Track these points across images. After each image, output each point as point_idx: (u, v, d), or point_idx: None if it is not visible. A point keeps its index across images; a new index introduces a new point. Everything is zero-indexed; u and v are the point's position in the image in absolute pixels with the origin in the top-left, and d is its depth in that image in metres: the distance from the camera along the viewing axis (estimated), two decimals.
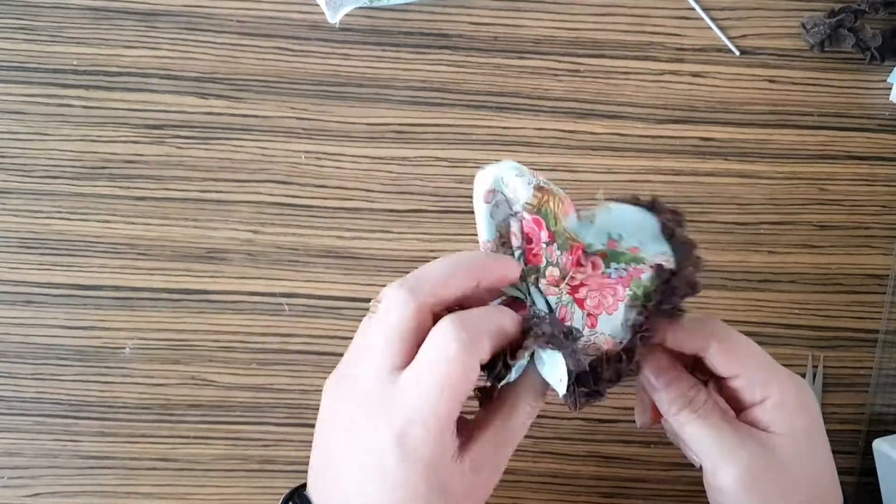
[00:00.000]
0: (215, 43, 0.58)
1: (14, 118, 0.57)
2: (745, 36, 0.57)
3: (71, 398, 0.58)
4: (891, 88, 0.57)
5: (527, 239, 0.35)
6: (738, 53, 0.57)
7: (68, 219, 0.58)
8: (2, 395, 0.58)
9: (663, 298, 0.36)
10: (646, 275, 0.36)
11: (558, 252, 0.35)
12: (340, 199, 0.58)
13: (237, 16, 0.58)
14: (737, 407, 0.38)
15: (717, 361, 0.37)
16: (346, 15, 0.56)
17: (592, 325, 0.36)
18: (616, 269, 0.36)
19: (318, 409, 0.59)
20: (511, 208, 0.36)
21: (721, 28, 0.57)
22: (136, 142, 0.58)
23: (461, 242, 0.57)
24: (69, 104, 0.58)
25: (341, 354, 0.59)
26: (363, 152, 0.58)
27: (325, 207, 0.58)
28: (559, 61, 0.57)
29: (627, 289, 0.36)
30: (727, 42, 0.56)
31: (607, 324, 0.36)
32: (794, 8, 0.57)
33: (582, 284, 0.36)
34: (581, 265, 0.36)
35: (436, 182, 0.58)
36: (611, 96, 0.57)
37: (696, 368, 0.39)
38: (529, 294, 0.36)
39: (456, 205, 0.58)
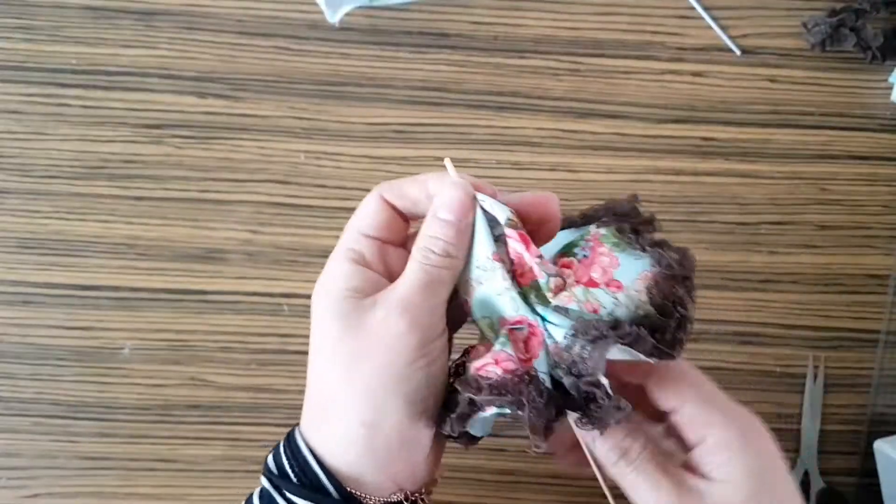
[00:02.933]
0: (214, 42, 0.57)
1: (13, 118, 0.57)
2: (746, 35, 0.57)
3: (70, 399, 0.58)
4: (892, 88, 0.57)
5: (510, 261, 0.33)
6: (739, 53, 0.57)
7: (67, 219, 0.58)
8: (1, 396, 0.58)
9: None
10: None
11: (550, 262, 0.34)
12: (340, 199, 0.58)
13: (236, 15, 0.57)
14: (685, 447, 0.35)
15: (655, 393, 0.35)
16: (346, 14, 0.56)
17: (618, 287, 0.33)
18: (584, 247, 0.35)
19: None
20: (491, 225, 0.34)
21: (722, 27, 0.57)
22: (134, 141, 0.57)
23: None
24: (68, 104, 0.57)
25: None
26: (363, 152, 0.57)
27: (325, 207, 0.58)
28: (559, 61, 0.57)
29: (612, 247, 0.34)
30: (728, 42, 0.56)
31: (627, 271, 0.33)
32: (796, 7, 0.57)
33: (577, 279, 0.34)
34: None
35: None
36: (611, 96, 0.57)
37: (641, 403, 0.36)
38: (539, 315, 0.33)
39: None
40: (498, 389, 0.31)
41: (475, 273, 0.34)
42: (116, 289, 0.58)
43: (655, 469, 0.34)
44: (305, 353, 0.58)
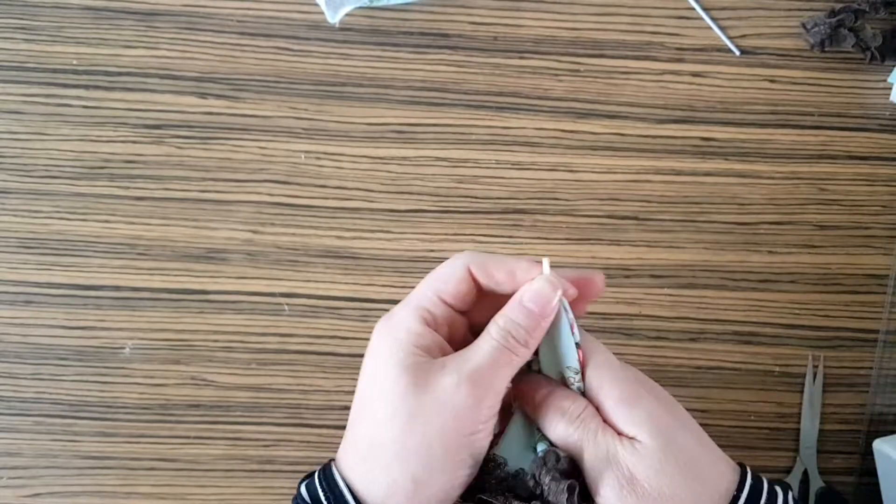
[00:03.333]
0: (215, 43, 0.58)
1: (13, 118, 0.57)
2: (745, 36, 0.57)
3: (71, 398, 0.58)
4: (891, 88, 0.57)
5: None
6: (738, 53, 0.57)
7: (68, 219, 0.58)
8: (1, 395, 0.58)
9: None
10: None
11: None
12: (340, 199, 0.58)
13: (237, 16, 0.58)
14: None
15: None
16: (346, 15, 0.56)
17: None
18: None
19: (317, 409, 0.59)
20: (572, 334, 0.36)
21: (721, 28, 0.57)
22: (135, 142, 0.58)
23: (461, 242, 0.57)
24: (68, 104, 0.57)
25: (341, 354, 0.60)
26: (363, 152, 0.58)
27: (325, 207, 0.58)
28: (559, 61, 0.57)
29: None
30: (727, 42, 0.56)
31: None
32: (795, 8, 0.57)
33: None
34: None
35: (436, 182, 0.58)
36: (611, 96, 0.57)
37: None
38: None
39: (456, 205, 0.58)
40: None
41: (567, 372, 0.36)
42: (117, 288, 0.58)
43: (598, 427, 0.35)
44: (306, 352, 0.59)
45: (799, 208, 0.58)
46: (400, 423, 0.33)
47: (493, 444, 0.36)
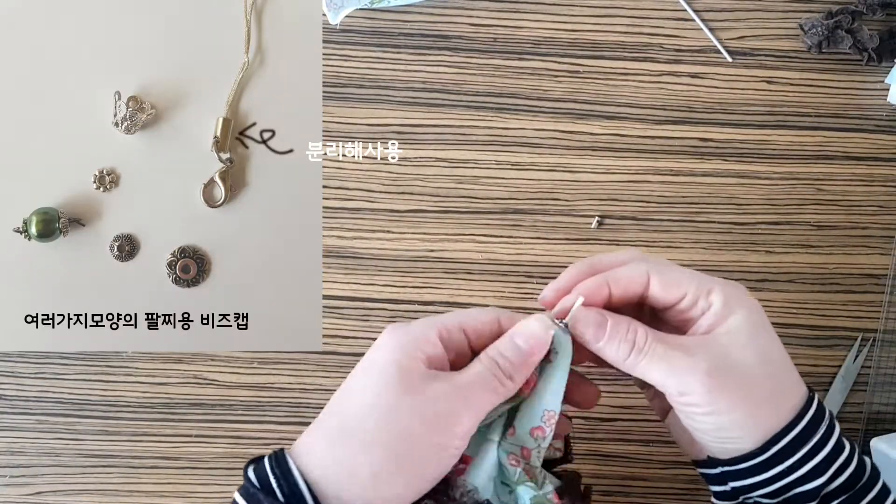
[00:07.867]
0: None
1: None
2: (742, 37, 0.57)
3: (73, 397, 0.59)
4: (888, 89, 0.57)
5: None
6: (730, 59, 0.57)
7: None
8: (4, 394, 0.58)
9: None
10: None
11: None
12: (341, 199, 0.58)
13: None
14: (684, 327, 0.38)
15: (660, 292, 0.38)
16: (347, 16, 0.56)
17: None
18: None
19: (318, 407, 0.59)
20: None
21: (719, 30, 0.57)
22: None
23: (461, 242, 0.58)
24: None
25: (342, 353, 0.60)
26: (364, 152, 0.58)
27: (326, 207, 0.58)
28: (558, 62, 0.58)
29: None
30: (719, 46, 0.57)
31: None
32: (792, 10, 0.57)
33: None
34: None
35: (436, 182, 0.58)
36: (610, 97, 0.58)
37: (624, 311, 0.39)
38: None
39: (456, 205, 0.58)
40: None
41: (544, 413, 0.37)
42: None
43: (664, 347, 0.36)
44: (306, 351, 0.59)
45: (796, 208, 0.58)
46: (377, 415, 0.34)
47: (460, 473, 0.36)
